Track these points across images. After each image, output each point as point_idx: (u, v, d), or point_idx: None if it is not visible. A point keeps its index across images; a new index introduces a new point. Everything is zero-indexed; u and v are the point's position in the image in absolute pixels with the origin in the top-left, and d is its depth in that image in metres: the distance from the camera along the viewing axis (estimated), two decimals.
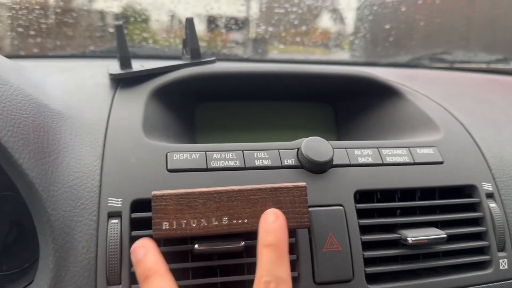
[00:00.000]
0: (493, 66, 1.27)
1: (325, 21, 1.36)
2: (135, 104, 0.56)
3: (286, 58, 1.21)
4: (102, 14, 1.17)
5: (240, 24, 1.25)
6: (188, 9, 1.15)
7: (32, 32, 1.03)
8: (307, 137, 0.54)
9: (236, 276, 0.46)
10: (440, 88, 0.75)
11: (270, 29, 1.21)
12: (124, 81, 0.61)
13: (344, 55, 1.39)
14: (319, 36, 1.33)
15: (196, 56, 0.66)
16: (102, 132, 0.51)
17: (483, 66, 1.28)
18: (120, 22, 0.63)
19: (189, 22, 0.66)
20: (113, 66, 0.64)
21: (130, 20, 1.11)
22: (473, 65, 1.28)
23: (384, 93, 0.69)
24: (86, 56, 1.03)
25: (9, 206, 0.60)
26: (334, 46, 1.38)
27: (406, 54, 1.31)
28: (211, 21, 1.23)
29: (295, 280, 0.47)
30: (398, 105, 0.68)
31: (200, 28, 1.23)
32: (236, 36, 1.29)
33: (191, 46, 0.66)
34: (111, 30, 1.08)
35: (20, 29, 1.02)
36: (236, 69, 0.64)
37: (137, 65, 0.64)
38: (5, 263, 0.58)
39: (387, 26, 1.20)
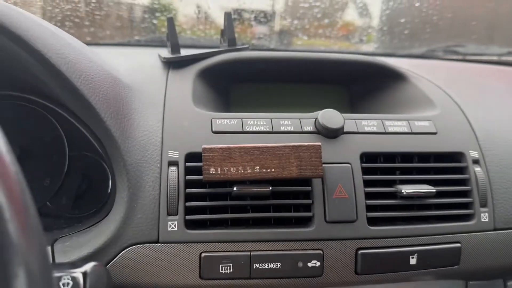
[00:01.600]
0: (504, 58, 1.35)
1: (347, 15, 1.47)
2: (185, 82, 0.70)
3: (308, 49, 1.33)
4: (144, 7, 1.31)
5: (267, 17, 1.37)
6: (223, 5, 1.28)
7: (86, 23, 1.18)
8: None
9: (265, 213, 0.59)
10: (444, 75, 0.86)
11: (295, 21, 1.33)
12: (174, 64, 0.75)
13: (363, 47, 1.50)
14: (341, 29, 1.44)
15: (232, 44, 0.79)
16: (161, 102, 0.65)
17: (495, 58, 1.36)
18: (171, 15, 0.77)
19: (228, 15, 0.79)
20: (164, 52, 0.78)
21: (171, 13, 1.25)
22: (485, 58, 1.36)
23: (392, 77, 0.81)
24: (132, 44, 1.18)
25: (82, 163, 0.75)
26: (354, 39, 1.48)
27: (421, 46, 1.41)
28: (239, 14, 1.35)
29: (310, 219, 0.60)
30: (403, 87, 0.79)
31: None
32: (262, 29, 1.41)
33: (228, 35, 0.79)
34: (155, 21, 1.22)
35: (77, 20, 1.17)
36: (266, 54, 0.77)
37: (183, 52, 0.77)
38: (78, 207, 0.73)
39: (402, 20, 1.31)
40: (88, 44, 1.15)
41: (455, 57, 1.34)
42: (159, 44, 1.10)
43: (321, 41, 1.39)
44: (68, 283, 0.36)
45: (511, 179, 0.67)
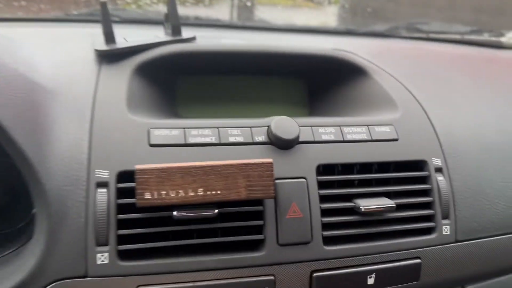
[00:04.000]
0: (467, 37, 1.32)
1: None
2: (119, 80, 0.61)
3: (266, 25, 1.23)
4: None
5: None
6: None
7: None
8: (281, 110, 0.59)
9: (211, 238, 0.52)
10: (406, 66, 0.80)
11: None
12: (108, 57, 0.65)
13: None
14: None
15: (176, 32, 0.70)
16: (89, 108, 0.56)
17: (458, 37, 1.32)
18: (105, 0, 0.66)
19: None
20: (98, 40, 0.68)
21: None
22: (448, 36, 1.32)
23: (353, 71, 0.74)
24: (71, 20, 1.05)
25: (2, 171, 0.65)
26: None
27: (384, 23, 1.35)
28: None
29: (261, 242, 0.54)
30: (365, 84, 0.73)
31: None
32: None
33: (172, 22, 0.70)
34: None
35: None
36: (214, 47, 0.69)
37: (121, 39, 0.68)
38: (3, 222, 0.64)
39: None
40: (19, 20, 1.02)
41: (417, 35, 1.29)
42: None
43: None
44: None
45: (474, 188, 0.64)
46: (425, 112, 0.67)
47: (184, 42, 0.69)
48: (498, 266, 0.66)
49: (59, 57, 0.64)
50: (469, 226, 0.62)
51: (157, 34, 0.72)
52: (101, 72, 0.62)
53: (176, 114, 0.72)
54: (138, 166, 0.48)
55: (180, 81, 0.75)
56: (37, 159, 0.48)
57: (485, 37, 1.37)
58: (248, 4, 1.30)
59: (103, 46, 0.66)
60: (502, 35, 1.40)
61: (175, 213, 0.50)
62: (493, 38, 1.36)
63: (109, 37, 0.66)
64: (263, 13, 1.35)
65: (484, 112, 0.72)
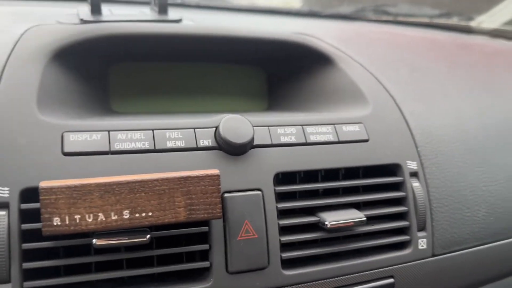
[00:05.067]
0: (436, 20, 1.26)
1: None
2: (31, 69, 0.49)
3: (221, 4, 1.11)
4: None
5: None
6: None
7: None
8: (236, 104, 0.49)
9: (144, 269, 0.42)
10: (377, 53, 0.72)
11: None
12: (22, 40, 0.53)
13: None
14: None
15: (163, 11, 0.64)
16: None
17: (426, 20, 1.26)
18: None
19: None
20: (83, 10, 0.62)
21: None
22: (417, 19, 1.26)
23: (317, 59, 0.65)
24: None
25: None
26: None
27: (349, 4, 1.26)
28: None
29: (207, 270, 0.45)
30: (330, 74, 0.64)
31: None
32: None
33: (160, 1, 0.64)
34: None
35: None
36: (155, 30, 0.57)
37: (107, 11, 0.63)
38: None
39: None
40: None
41: (386, 18, 1.22)
42: None
43: None
44: None
45: (453, 194, 0.56)
46: (399, 108, 0.59)
47: (168, 23, 0.62)
48: (478, 279, 0.60)
49: None
50: (448, 238, 0.55)
51: (144, 11, 0.68)
52: (9, 60, 0.49)
53: (109, 111, 0.61)
54: (43, 184, 0.37)
55: (114, 69, 0.63)
56: None
57: (454, 21, 1.32)
58: None
59: (88, 17, 0.59)
60: (471, 19, 1.35)
61: (94, 241, 0.40)
62: (463, 23, 1.31)
63: (95, 8, 0.60)
64: None
65: (464, 106, 0.64)
